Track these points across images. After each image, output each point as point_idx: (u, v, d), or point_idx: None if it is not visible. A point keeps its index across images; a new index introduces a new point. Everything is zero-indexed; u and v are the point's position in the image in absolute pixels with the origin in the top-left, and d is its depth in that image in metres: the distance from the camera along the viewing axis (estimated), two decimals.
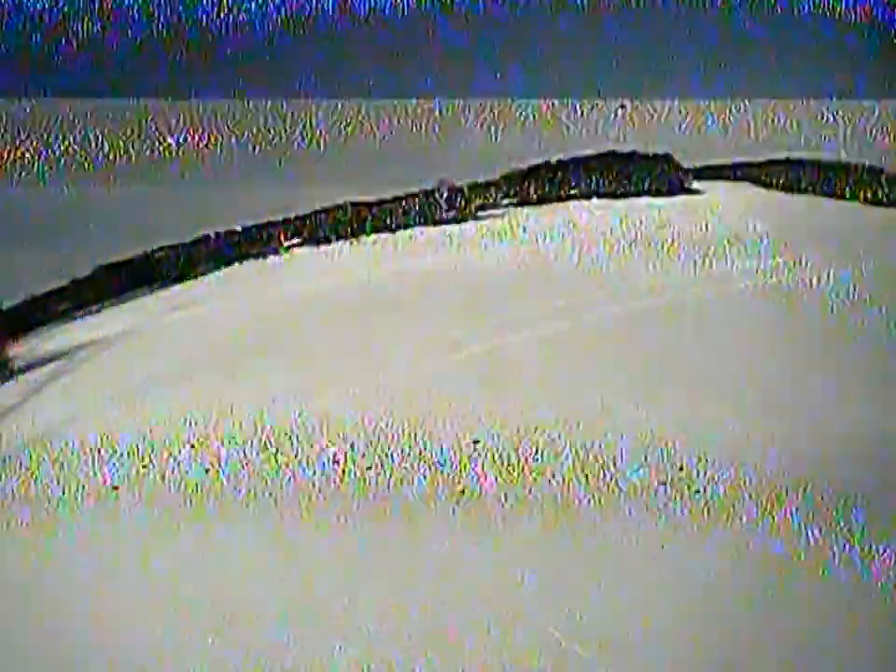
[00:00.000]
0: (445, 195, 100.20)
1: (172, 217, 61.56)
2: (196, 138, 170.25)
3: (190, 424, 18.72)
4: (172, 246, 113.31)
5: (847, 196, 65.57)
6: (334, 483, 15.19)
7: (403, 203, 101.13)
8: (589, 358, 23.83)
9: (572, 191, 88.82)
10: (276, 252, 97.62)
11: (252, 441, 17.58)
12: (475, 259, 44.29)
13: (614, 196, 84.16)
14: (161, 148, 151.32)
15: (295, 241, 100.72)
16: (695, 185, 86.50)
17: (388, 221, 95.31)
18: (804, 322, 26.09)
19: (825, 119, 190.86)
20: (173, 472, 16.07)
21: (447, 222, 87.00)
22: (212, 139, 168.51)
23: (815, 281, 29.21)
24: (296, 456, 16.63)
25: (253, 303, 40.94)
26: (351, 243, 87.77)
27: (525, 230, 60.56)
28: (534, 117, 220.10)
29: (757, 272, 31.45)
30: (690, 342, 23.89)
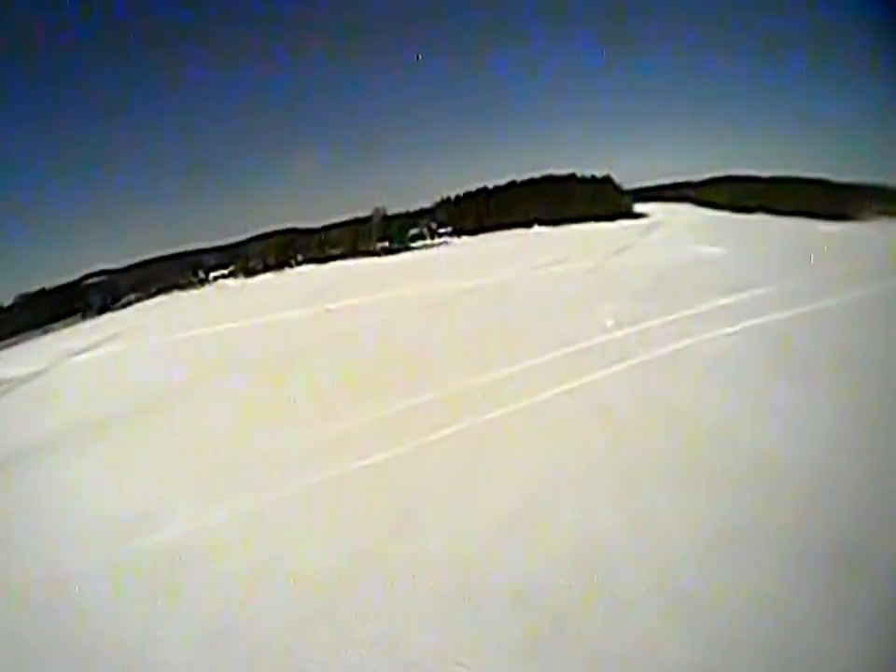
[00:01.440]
0: (378, 224, 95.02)
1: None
2: None
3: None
4: (106, 272, 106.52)
5: (797, 211, 61.97)
6: None
7: (335, 232, 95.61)
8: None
9: (511, 218, 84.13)
10: (203, 283, 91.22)
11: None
12: (406, 297, 37.06)
13: (554, 223, 79.56)
14: None
15: (223, 272, 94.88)
16: (637, 207, 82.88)
17: (319, 251, 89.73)
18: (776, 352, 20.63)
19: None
20: None
21: (378, 253, 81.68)
22: None
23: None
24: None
25: (163, 347, 36.58)
26: (278, 274, 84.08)
27: (460, 263, 53.77)
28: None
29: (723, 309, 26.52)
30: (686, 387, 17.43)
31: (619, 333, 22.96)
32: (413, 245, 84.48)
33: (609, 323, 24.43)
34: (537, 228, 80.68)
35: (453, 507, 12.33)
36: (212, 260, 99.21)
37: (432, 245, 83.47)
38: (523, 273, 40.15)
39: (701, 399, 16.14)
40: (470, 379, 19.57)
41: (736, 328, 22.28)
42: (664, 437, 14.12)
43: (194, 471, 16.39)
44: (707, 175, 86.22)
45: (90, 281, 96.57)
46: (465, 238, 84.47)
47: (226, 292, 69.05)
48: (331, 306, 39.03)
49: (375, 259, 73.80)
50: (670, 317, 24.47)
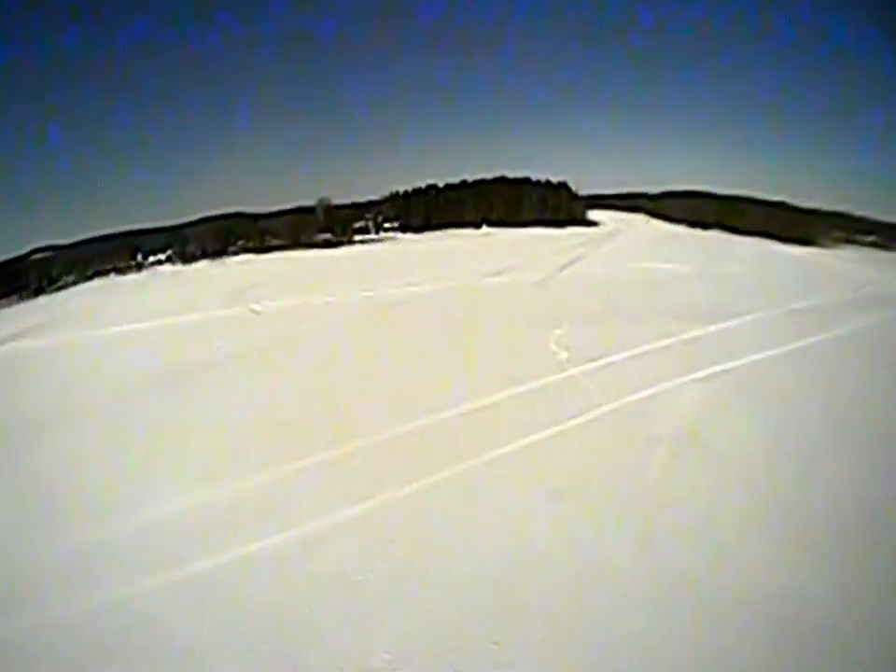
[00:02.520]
0: (322, 215, 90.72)
1: None
2: None
3: None
4: (53, 247, 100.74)
5: (756, 231, 59.98)
6: None
7: (276, 221, 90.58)
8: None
9: (460, 217, 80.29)
10: (140, 268, 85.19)
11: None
12: (334, 305, 32.64)
13: (504, 225, 75.96)
14: None
15: (161, 257, 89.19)
16: (592, 215, 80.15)
17: (259, 240, 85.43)
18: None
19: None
20: None
21: (319, 245, 77.05)
22: None
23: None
24: None
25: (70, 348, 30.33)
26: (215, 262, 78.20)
27: (399, 265, 49.26)
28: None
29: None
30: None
31: (574, 371, 18.95)
32: (357, 238, 79.84)
33: (564, 356, 20.45)
34: (486, 229, 77.00)
35: None
36: (153, 243, 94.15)
37: (376, 240, 79.04)
38: (465, 282, 35.91)
39: (671, 478, 12.28)
40: (389, 428, 15.21)
41: (707, 371, 18.63)
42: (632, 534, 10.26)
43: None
44: (663, 188, 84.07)
45: (36, 257, 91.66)
46: (411, 235, 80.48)
47: (157, 280, 63.52)
48: (257, 307, 34.07)
49: (315, 253, 69.01)
50: (630, 352, 20.70)
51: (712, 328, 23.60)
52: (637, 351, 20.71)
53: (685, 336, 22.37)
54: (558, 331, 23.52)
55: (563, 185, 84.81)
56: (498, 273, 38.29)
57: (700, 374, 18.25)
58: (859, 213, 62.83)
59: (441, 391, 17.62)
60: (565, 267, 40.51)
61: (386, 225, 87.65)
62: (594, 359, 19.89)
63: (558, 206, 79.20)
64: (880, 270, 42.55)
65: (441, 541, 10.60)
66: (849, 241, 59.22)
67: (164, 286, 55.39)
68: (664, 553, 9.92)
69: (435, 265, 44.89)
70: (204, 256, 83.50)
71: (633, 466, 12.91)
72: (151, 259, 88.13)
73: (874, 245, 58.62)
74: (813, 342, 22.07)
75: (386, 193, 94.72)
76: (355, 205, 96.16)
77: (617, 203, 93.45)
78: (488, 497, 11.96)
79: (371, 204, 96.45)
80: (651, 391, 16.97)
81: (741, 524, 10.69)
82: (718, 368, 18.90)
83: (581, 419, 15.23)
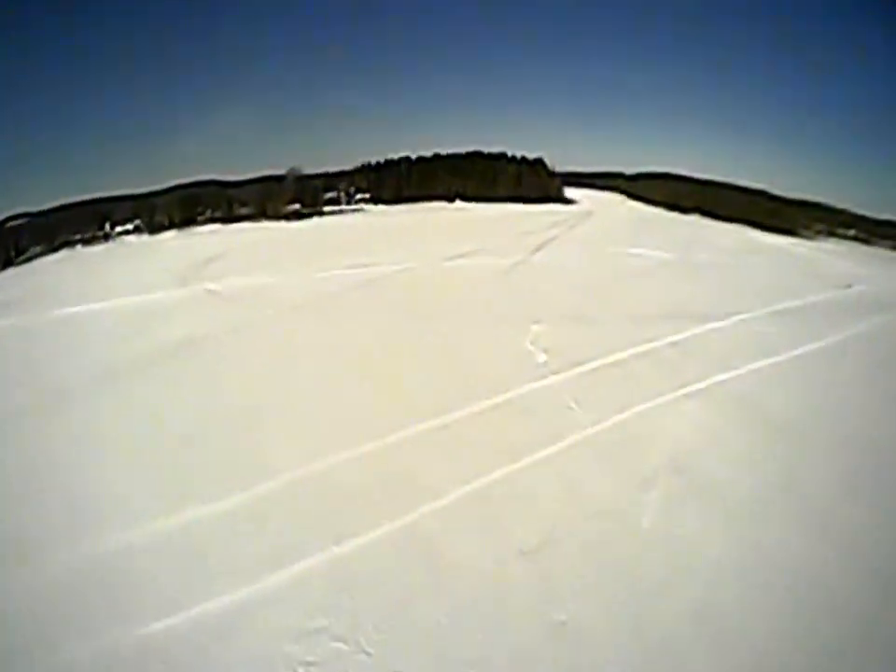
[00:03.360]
0: (291, 184, 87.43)
1: None
2: None
3: None
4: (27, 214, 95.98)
5: (735, 218, 58.00)
6: None
7: (246, 189, 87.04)
8: None
9: (432, 191, 77.13)
10: (107, 238, 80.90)
11: None
12: (292, 287, 29.71)
13: (477, 200, 72.97)
14: None
15: (129, 227, 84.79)
16: (567, 193, 77.54)
17: (227, 209, 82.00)
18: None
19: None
20: None
21: (288, 217, 73.62)
22: None
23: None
24: None
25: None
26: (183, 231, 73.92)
27: (367, 239, 46.27)
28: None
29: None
30: None
31: (554, 379, 16.61)
32: (327, 210, 76.34)
33: (541, 359, 18.10)
34: (459, 203, 73.99)
35: None
36: (122, 212, 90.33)
37: (346, 212, 75.70)
38: (432, 264, 33.18)
39: (668, 532, 10.13)
40: (307, 466, 12.53)
41: (699, 385, 16.48)
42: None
43: None
44: (640, 169, 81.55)
45: (11, 224, 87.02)
46: (382, 207, 77.23)
47: (121, 252, 60.09)
48: (213, 286, 30.94)
49: (282, 224, 65.80)
50: (615, 356, 18.46)
51: (698, 329, 21.50)
52: (622, 355, 18.51)
53: (671, 338, 20.27)
54: (535, 327, 21.12)
55: (539, 161, 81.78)
56: (469, 255, 35.61)
57: (692, 388, 16.15)
58: (839, 206, 61.49)
59: (389, 408, 14.94)
60: (539, 249, 37.88)
61: (358, 196, 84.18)
62: (576, 364, 17.59)
63: (534, 183, 76.24)
64: (866, 265, 40.76)
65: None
66: (831, 233, 57.74)
67: (127, 259, 51.18)
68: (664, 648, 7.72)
69: (402, 242, 41.99)
70: (172, 226, 79.97)
71: (622, 512, 10.66)
72: (119, 228, 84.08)
73: (855, 238, 57.28)
74: (808, 350, 20.13)
75: (358, 164, 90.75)
76: (326, 175, 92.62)
77: (594, 181, 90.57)
78: (437, 559, 9.59)
79: (342, 175, 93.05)
80: (640, 408, 14.82)
81: (749, 602, 8.55)
82: (710, 381, 16.85)
83: (560, 444, 12.95)
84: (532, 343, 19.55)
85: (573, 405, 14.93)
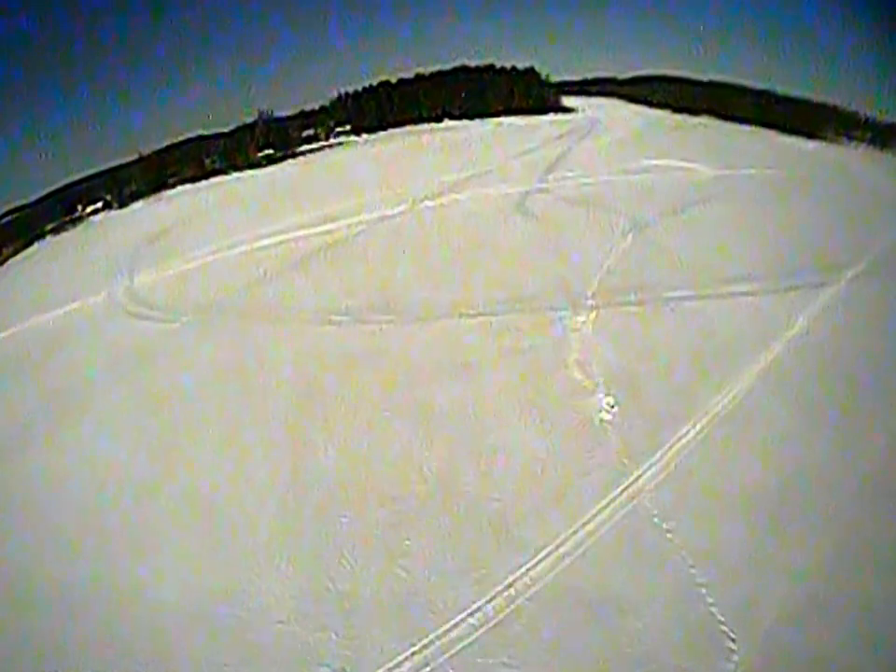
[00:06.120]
0: (262, 129, 79.23)
1: None
2: None
3: None
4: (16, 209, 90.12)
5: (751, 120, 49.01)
6: None
7: (216, 143, 79.44)
8: None
9: (418, 112, 68.14)
10: (76, 222, 74.95)
11: None
12: (244, 260, 22.11)
13: (468, 117, 64.00)
14: None
15: (98, 205, 78.94)
16: (566, 101, 67.96)
17: (197, 168, 75.21)
18: None
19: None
20: None
21: (260, 164, 65.99)
22: None
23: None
24: None
25: None
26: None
27: (340, 180, 37.58)
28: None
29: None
30: None
31: (632, 475, 9.26)
32: (304, 149, 68.42)
33: (606, 415, 10.61)
34: (448, 122, 65.16)
35: None
36: (95, 190, 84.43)
37: (325, 147, 67.55)
38: (417, 207, 25.02)
39: None
40: None
41: None
42: None
43: None
44: (632, 74, 71.45)
45: (4, 220, 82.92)
46: (365, 136, 68.89)
47: (78, 239, 52.45)
48: (144, 278, 23.55)
49: (251, 173, 58.51)
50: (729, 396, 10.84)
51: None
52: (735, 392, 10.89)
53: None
54: (577, 319, 13.41)
55: (530, 70, 71.98)
56: (459, 186, 27.21)
57: None
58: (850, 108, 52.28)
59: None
60: (549, 171, 29.11)
61: (338, 130, 75.78)
62: (667, 428, 10.03)
63: (527, 94, 66.75)
64: None
65: None
66: (849, 136, 48.83)
67: (69, 253, 42.88)
68: None
69: (384, 177, 33.76)
70: (141, 195, 72.08)
71: None
72: (90, 208, 77.78)
73: (872, 142, 48.08)
74: None
75: (335, 96, 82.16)
76: (303, 114, 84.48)
77: (586, 89, 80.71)
78: None
79: (321, 110, 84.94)
80: None
81: None
82: None
83: None
84: (578, 368, 11.91)
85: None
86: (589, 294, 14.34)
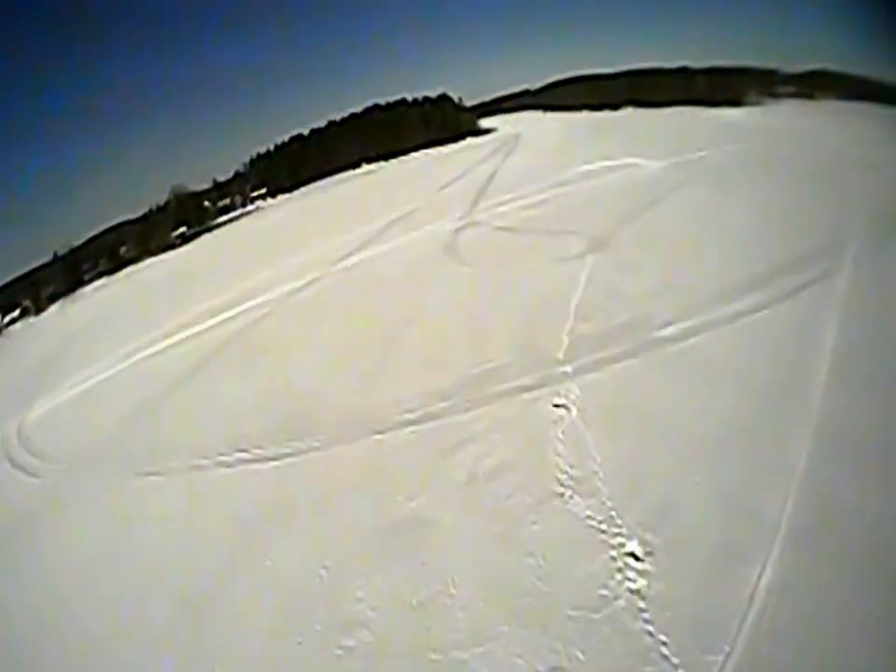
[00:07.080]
0: (175, 207, 74.72)
1: None
2: None
3: None
4: None
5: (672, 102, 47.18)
6: None
7: (128, 230, 74.87)
8: None
9: (334, 163, 64.86)
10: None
11: None
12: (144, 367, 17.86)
13: (385, 157, 61.04)
14: None
15: (14, 314, 73.48)
16: (484, 123, 65.78)
17: (109, 260, 71.15)
18: None
19: None
20: None
21: (174, 244, 61.34)
22: None
23: None
24: None
25: None
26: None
27: (252, 252, 33.42)
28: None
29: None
30: None
31: None
32: (219, 221, 64.31)
33: (638, 576, 6.36)
34: (366, 167, 61.98)
35: None
36: (11, 297, 77.07)
37: (240, 217, 63.74)
38: (332, 271, 20.99)
39: None
40: None
41: None
42: None
43: None
44: (545, 81, 70.23)
45: None
46: (281, 197, 65.51)
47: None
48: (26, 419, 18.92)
49: (164, 257, 54.22)
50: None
51: None
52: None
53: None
54: (553, 402, 9.45)
55: (443, 97, 69.86)
56: (385, 235, 23.44)
57: None
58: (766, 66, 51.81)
59: None
60: (478, 199, 25.47)
61: (254, 195, 72.12)
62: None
63: (443, 122, 64.02)
64: (857, 126, 27.80)
65: None
66: (772, 95, 47.94)
67: None
68: None
69: (299, 240, 29.72)
70: (58, 296, 66.66)
71: None
72: (8, 318, 72.64)
73: (798, 95, 47.21)
74: None
75: (248, 160, 78.93)
76: (217, 185, 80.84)
77: (500, 106, 79.32)
78: None
79: (236, 177, 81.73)
80: None
81: None
82: None
83: None
84: (572, 492, 7.82)
85: None
86: (560, 357, 10.34)
